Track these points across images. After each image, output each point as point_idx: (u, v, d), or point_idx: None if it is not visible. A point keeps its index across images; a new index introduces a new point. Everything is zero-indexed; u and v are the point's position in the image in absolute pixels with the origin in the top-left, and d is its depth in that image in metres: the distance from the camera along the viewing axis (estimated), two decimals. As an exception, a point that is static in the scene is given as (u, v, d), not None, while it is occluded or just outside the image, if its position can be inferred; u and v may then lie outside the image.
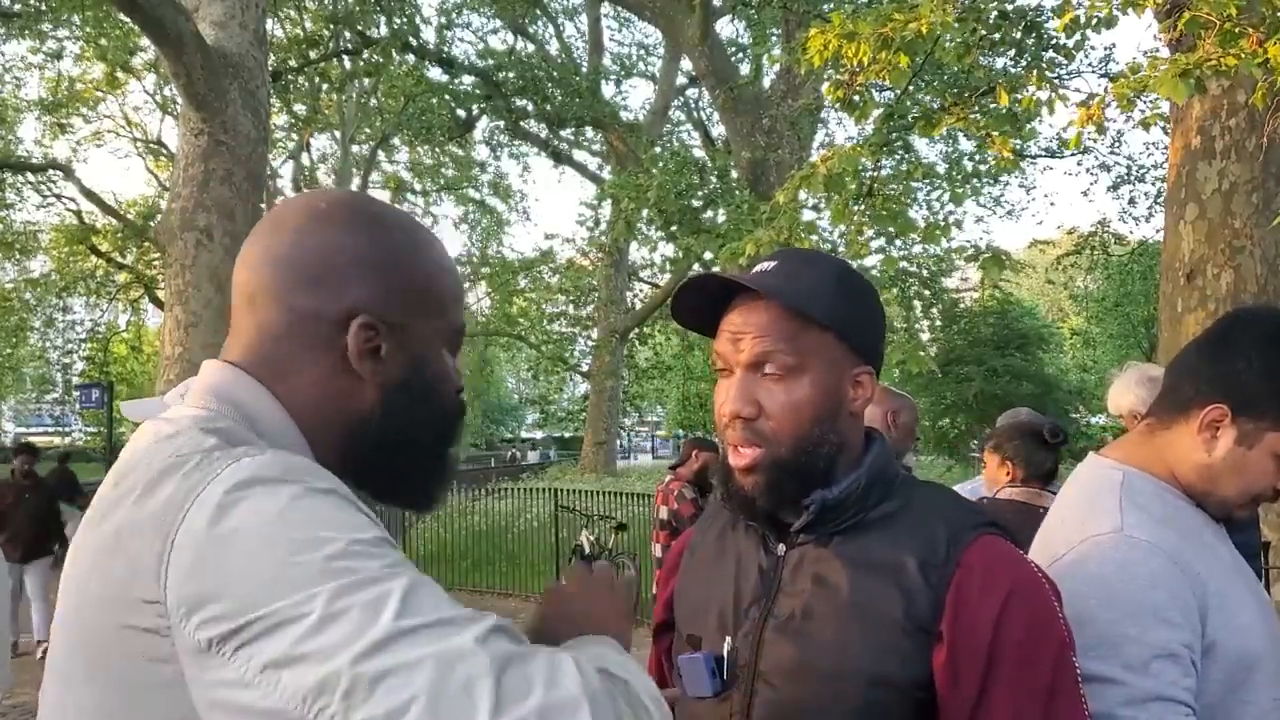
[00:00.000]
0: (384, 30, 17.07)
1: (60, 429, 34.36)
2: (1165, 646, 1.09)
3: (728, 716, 1.08)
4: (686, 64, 19.87)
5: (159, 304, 20.60)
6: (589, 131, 21.08)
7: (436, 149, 23.56)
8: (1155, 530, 1.17)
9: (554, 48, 22.96)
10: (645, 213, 13.49)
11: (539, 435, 44.65)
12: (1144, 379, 2.61)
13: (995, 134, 5.05)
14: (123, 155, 39.21)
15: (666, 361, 25.94)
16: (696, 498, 5.65)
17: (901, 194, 5.96)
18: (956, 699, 0.98)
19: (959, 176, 15.24)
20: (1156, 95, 4.01)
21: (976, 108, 5.45)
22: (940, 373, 16.81)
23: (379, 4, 16.45)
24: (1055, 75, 7.04)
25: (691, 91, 22.88)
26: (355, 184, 22.80)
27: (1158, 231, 14.52)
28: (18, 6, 14.64)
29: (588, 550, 9.20)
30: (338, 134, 23.05)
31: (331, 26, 17.47)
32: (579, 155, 23.75)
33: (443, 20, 20.13)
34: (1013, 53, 6.91)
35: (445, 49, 19.10)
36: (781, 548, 1.10)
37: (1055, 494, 2.28)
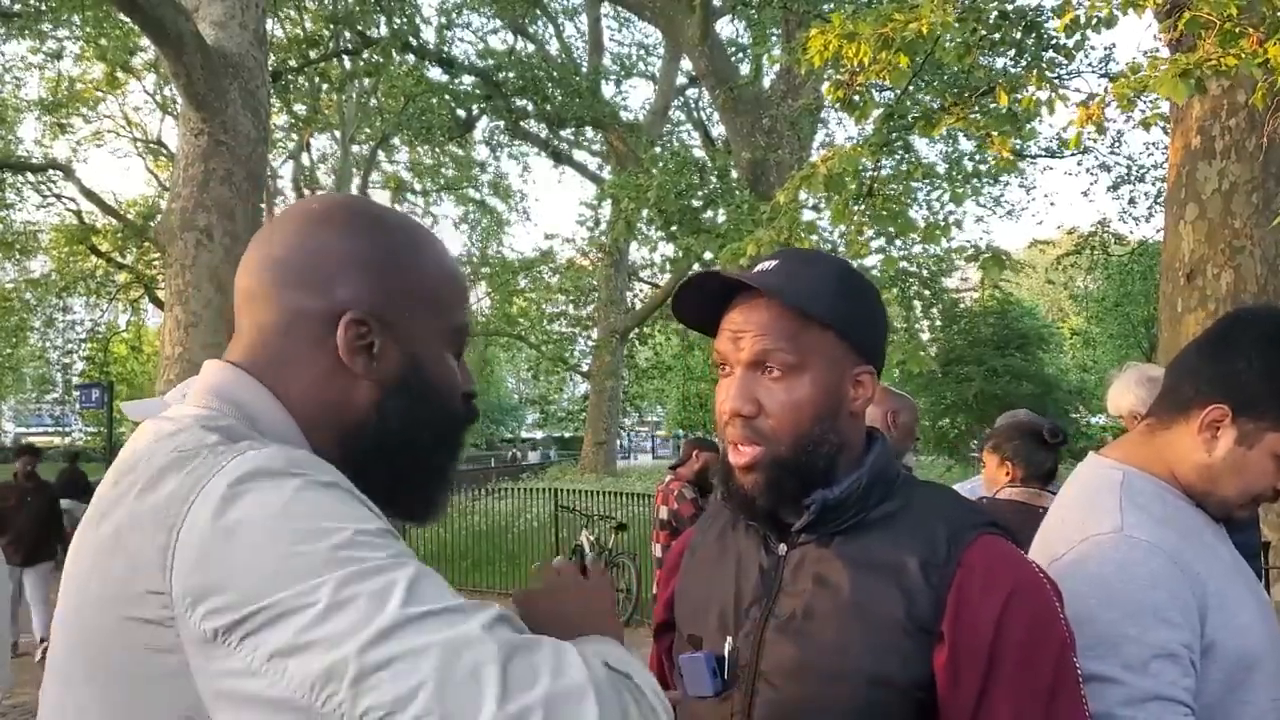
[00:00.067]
0: (384, 30, 17.08)
1: (60, 429, 34.38)
2: (1165, 646, 1.09)
3: (729, 716, 1.08)
4: (686, 64, 19.87)
5: (159, 304, 20.61)
6: (589, 131, 21.09)
7: (436, 149, 23.57)
8: (1155, 530, 1.17)
9: (554, 48, 22.99)
10: (645, 213, 13.50)
11: (539, 435, 44.64)
12: (1144, 379, 2.61)
13: (995, 134, 5.05)
14: (123, 155, 39.26)
15: (666, 361, 25.94)
16: (696, 498, 5.65)
17: (901, 194, 5.97)
18: (957, 699, 0.98)
19: (959, 176, 15.24)
20: (1156, 95, 4.02)
21: (976, 108, 5.45)
22: (940, 373, 16.84)
23: (379, 4, 16.45)
24: (1055, 75, 7.04)
25: (691, 91, 22.92)
26: (355, 184, 22.83)
27: (1158, 231, 14.52)
28: (18, 6, 14.64)
29: (588, 550, 9.21)
30: (338, 134, 23.05)
31: (331, 26, 17.48)
32: (579, 155, 23.80)
33: (443, 20, 20.16)
34: (1013, 53, 6.90)
35: (445, 49, 19.11)
36: (782, 547, 1.10)
37: (1055, 494, 2.28)
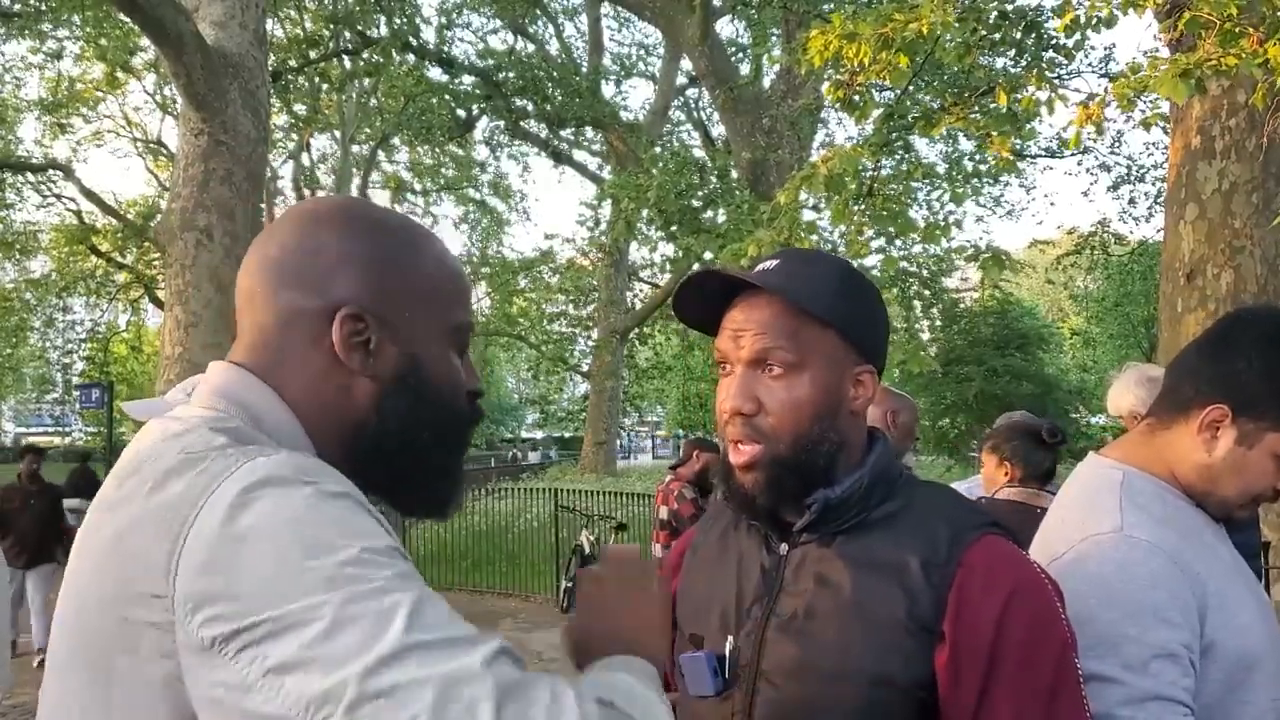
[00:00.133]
0: (384, 30, 17.07)
1: (60, 429, 34.38)
2: (1164, 646, 1.09)
3: (729, 716, 1.08)
4: (686, 64, 19.87)
5: (159, 304, 20.61)
6: (589, 131, 21.09)
7: (436, 149, 23.57)
8: (1155, 530, 1.17)
9: (554, 48, 22.98)
10: (645, 213, 13.50)
11: (539, 435, 44.63)
12: (1144, 379, 2.61)
13: (995, 134, 5.05)
14: (123, 155, 39.31)
15: (666, 361, 25.95)
16: (697, 498, 5.65)
17: (901, 194, 5.97)
18: (958, 699, 0.98)
19: (959, 176, 15.25)
20: (1156, 95, 4.02)
21: (976, 108, 5.45)
22: (940, 373, 16.84)
23: (379, 4, 16.45)
24: (1055, 75, 7.05)
25: (691, 91, 22.91)
26: (355, 184, 22.83)
27: (1158, 231, 14.53)
28: (18, 6, 14.65)
29: (588, 550, 9.21)
30: (338, 134, 23.05)
31: (331, 26, 17.47)
32: (579, 155, 23.79)
33: (443, 20, 20.16)
34: (1013, 53, 6.91)
35: (445, 49, 19.11)
36: (784, 547, 1.10)
37: (1053, 494, 2.28)
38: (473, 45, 21.57)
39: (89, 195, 21.21)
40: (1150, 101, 5.37)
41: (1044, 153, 17.26)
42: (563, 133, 21.18)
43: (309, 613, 0.65)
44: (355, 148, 23.17)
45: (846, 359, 1.07)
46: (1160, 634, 1.10)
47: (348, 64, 18.13)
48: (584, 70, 20.16)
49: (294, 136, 22.84)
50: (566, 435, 38.49)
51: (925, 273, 16.73)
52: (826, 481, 1.06)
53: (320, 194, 21.15)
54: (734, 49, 18.06)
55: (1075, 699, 0.98)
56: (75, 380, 25.44)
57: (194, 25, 8.43)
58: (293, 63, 17.18)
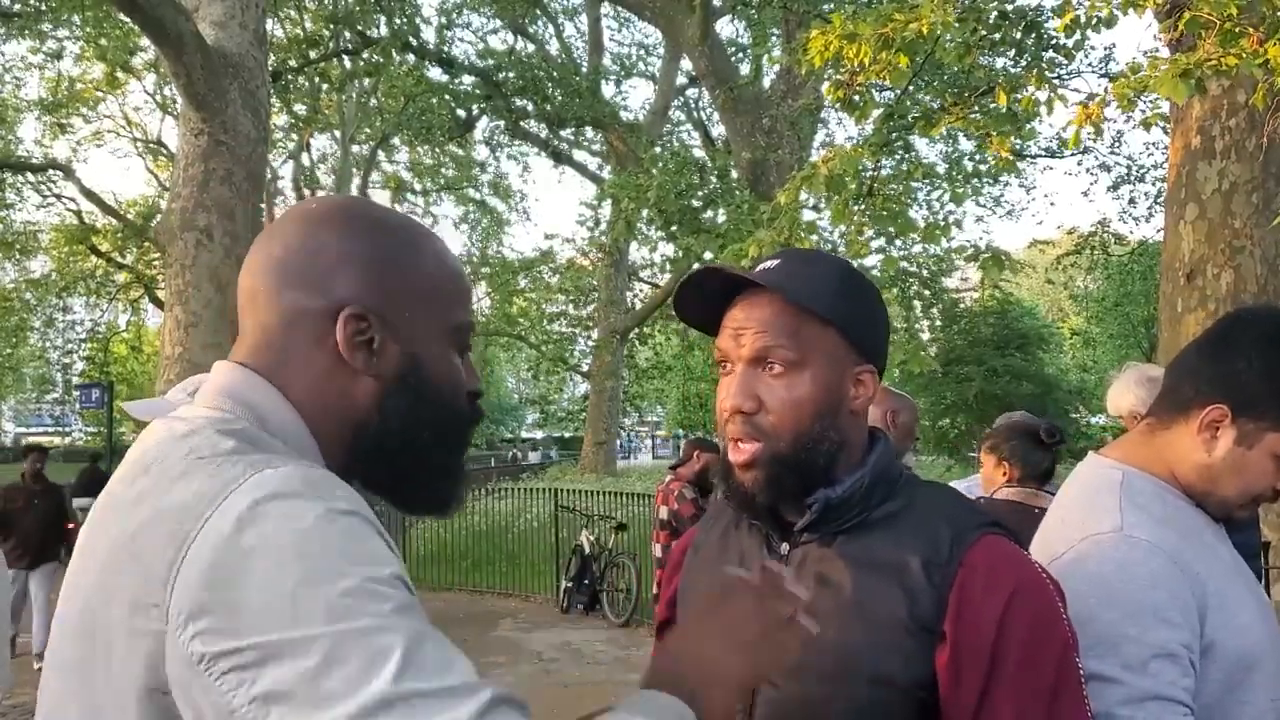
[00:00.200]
0: (384, 30, 17.08)
1: (60, 429, 34.39)
2: (1164, 646, 1.09)
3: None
4: (686, 64, 19.87)
5: (159, 304, 20.61)
6: (589, 131, 21.09)
7: (436, 149, 23.57)
8: (1155, 530, 1.17)
9: (554, 48, 22.99)
10: (645, 213, 13.50)
11: (539, 435, 44.63)
12: (1144, 379, 2.61)
13: (995, 134, 5.05)
14: (123, 155, 39.34)
15: (666, 361, 25.94)
16: (697, 498, 5.65)
17: (901, 194, 5.97)
18: (959, 699, 0.98)
19: (959, 176, 15.26)
20: (1156, 95, 4.02)
21: (976, 108, 5.45)
22: (940, 373, 16.84)
23: (379, 4, 16.45)
24: (1055, 75, 7.04)
25: (691, 91, 22.91)
26: (355, 184, 22.84)
27: (1158, 231, 14.53)
28: (18, 6, 14.65)
29: (588, 550, 9.21)
30: (338, 134, 23.06)
31: (331, 26, 17.48)
32: (579, 155, 23.79)
33: (443, 20, 20.17)
34: (1013, 53, 6.90)
35: (445, 49, 19.12)
36: (785, 546, 1.10)
37: (1052, 494, 2.28)
38: (473, 45, 21.60)
39: (89, 195, 21.23)
40: (1150, 101, 5.37)
41: (1044, 153, 17.28)
42: (563, 133, 21.19)
43: (302, 645, 0.65)
44: (355, 148, 23.19)
45: (847, 358, 1.07)
46: (1160, 634, 1.10)
47: (348, 64, 18.14)
48: (584, 70, 20.16)
49: (294, 136, 22.85)
50: (566, 435, 38.49)
51: (925, 273, 16.74)
52: (827, 481, 1.06)
53: (320, 194, 21.13)
54: (734, 49, 18.06)
55: (1077, 699, 0.98)
56: (75, 380, 25.46)
57: (194, 25, 8.43)
58: (293, 63, 17.19)
